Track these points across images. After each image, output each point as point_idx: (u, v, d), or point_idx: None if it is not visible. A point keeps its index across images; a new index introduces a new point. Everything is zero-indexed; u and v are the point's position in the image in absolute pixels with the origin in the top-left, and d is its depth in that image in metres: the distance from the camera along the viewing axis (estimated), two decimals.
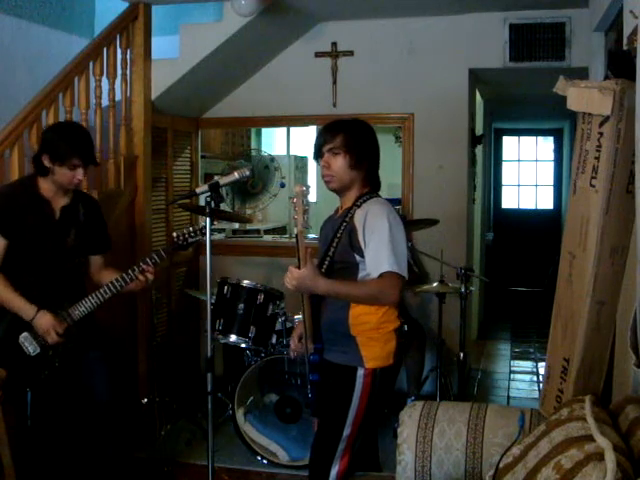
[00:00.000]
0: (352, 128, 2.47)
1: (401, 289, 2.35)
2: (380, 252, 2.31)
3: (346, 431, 2.40)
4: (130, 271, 2.86)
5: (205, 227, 2.77)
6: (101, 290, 2.85)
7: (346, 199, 2.50)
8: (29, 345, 2.79)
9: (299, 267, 2.28)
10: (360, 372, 2.38)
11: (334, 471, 2.41)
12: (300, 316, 2.57)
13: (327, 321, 2.44)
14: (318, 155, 2.48)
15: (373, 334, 2.39)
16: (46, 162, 2.76)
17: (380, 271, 2.31)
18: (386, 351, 2.41)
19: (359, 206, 2.43)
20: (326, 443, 2.45)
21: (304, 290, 2.33)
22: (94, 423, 2.98)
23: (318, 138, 2.49)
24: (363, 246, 2.35)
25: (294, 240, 2.32)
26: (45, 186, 2.84)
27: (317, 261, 2.45)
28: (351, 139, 2.42)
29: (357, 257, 2.37)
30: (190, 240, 2.89)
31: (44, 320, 2.75)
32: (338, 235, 2.41)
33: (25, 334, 2.79)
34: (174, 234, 2.91)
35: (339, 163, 2.42)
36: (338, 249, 2.41)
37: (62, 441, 3.07)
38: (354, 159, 2.42)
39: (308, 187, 2.31)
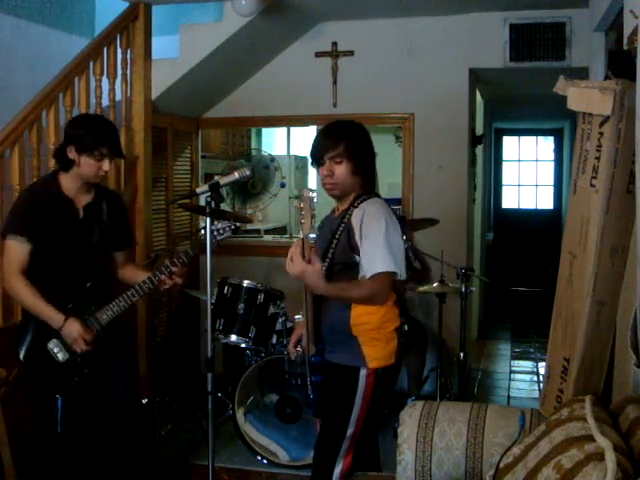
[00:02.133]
0: (353, 134, 2.46)
1: (390, 288, 2.37)
2: (375, 253, 2.32)
3: (349, 430, 2.41)
4: (158, 272, 2.79)
5: (234, 224, 2.73)
6: (128, 293, 2.78)
7: (345, 202, 2.50)
8: (58, 352, 2.73)
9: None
10: (363, 372, 2.39)
11: (338, 469, 2.43)
12: (299, 316, 2.56)
13: (328, 322, 2.44)
14: (319, 162, 2.46)
15: (375, 334, 2.40)
16: (71, 154, 2.69)
17: (373, 272, 2.31)
18: (388, 350, 2.42)
19: (356, 206, 2.43)
20: (330, 442, 2.46)
21: (304, 281, 2.30)
22: (112, 428, 2.93)
23: (318, 145, 2.46)
24: (360, 245, 2.36)
25: (295, 241, 2.32)
26: (68, 184, 2.77)
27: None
28: (353, 146, 2.42)
29: (356, 257, 2.37)
30: (219, 238, 2.77)
31: (72, 329, 2.67)
32: (337, 236, 2.41)
33: (54, 341, 2.73)
34: (202, 231, 2.76)
35: (342, 170, 2.41)
36: (337, 250, 2.41)
37: (91, 448, 2.99)
38: (356, 165, 2.42)
39: (314, 192, 2.29)
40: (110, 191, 3.08)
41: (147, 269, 2.95)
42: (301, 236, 2.25)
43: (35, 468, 2.87)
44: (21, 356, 2.76)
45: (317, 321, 2.44)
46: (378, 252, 2.31)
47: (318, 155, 2.45)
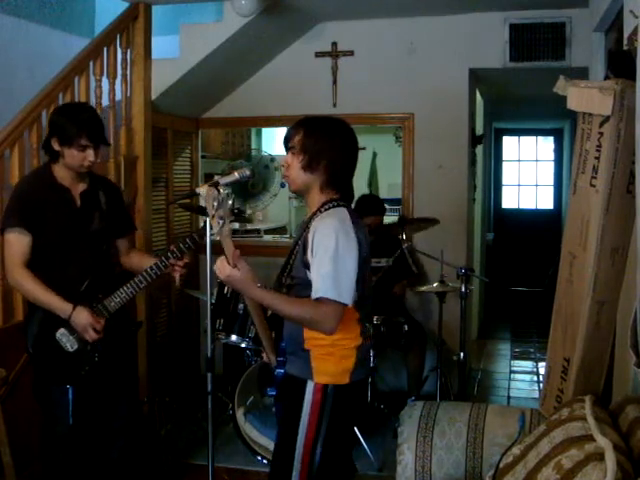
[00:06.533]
0: (313, 126, 2.16)
1: (339, 317, 2.03)
2: (319, 274, 2.03)
3: (298, 451, 2.13)
4: (164, 258, 2.77)
5: (237, 208, 2.71)
6: (136, 279, 2.76)
7: (310, 204, 2.21)
8: (67, 341, 2.70)
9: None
10: (310, 387, 2.13)
11: None
12: None
13: (286, 333, 2.26)
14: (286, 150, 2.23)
15: (329, 348, 2.13)
16: (55, 146, 2.68)
17: (316, 295, 2.02)
18: (340, 367, 2.14)
19: (318, 216, 2.14)
20: (280, 467, 2.20)
21: (233, 287, 2.12)
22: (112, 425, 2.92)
23: (286, 132, 2.23)
24: (310, 262, 2.08)
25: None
26: (61, 173, 2.74)
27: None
28: (308, 138, 2.12)
29: (308, 274, 2.09)
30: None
31: (82, 317, 2.65)
32: (296, 248, 2.17)
33: (62, 330, 2.69)
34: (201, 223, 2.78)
35: (293, 163, 2.15)
36: (295, 264, 2.16)
37: (101, 439, 2.93)
38: (307, 161, 2.12)
39: (216, 184, 1.95)
40: (105, 179, 3.06)
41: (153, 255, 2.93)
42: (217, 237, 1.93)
43: (44, 464, 2.84)
44: (29, 347, 2.73)
45: (280, 331, 2.28)
46: (321, 275, 2.02)
47: (284, 142, 2.21)
